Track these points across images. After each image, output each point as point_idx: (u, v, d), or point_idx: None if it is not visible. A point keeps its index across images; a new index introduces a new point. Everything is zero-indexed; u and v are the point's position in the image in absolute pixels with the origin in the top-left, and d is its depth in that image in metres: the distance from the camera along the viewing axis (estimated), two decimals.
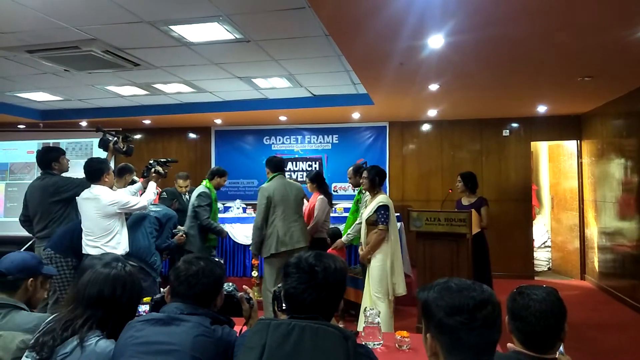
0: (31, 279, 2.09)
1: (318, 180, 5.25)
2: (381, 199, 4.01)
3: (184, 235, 4.63)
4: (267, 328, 1.47)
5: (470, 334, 1.20)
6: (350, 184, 5.12)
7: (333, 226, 5.25)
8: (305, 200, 4.87)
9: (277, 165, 4.67)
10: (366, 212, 4.11)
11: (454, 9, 2.98)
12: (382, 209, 3.93)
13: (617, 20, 3.20)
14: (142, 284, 3.99)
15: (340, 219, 5.70)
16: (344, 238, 4.74)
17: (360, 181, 4.50)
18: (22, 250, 4.77)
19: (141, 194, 4.21)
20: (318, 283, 1.53)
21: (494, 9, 3.01)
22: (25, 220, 4.17)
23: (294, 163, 8.19)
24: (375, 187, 4.11)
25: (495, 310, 1.24)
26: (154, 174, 4.25)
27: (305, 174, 7.96)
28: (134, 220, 4.17)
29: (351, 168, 5.09)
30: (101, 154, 4.49)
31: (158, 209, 4.43)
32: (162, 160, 4.47)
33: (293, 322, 1.47)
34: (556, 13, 3.06)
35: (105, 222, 3.69)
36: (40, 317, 1.91)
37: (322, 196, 5.11)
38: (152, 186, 4.18)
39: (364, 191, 4.62)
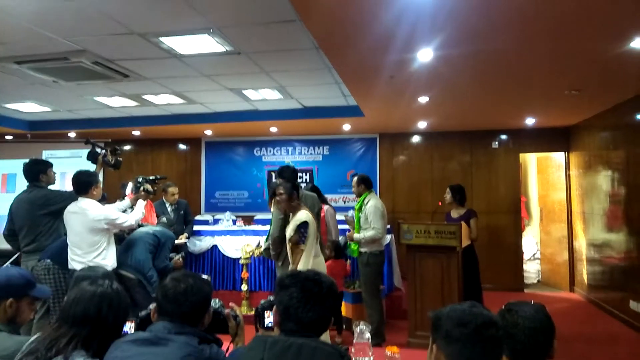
0: (11, 299, 1.97)
1: (317, 192, 5.30)
2: (300, 216, 3.69)
3: (180, 260, 4.60)
4: (264, 345, 1.47)
5: (474, 347, 1.30)
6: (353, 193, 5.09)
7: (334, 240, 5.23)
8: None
9: (292, 174, 4.54)
10: (288, 231, 3.80)
11: (442, 23, 3.01)
12: (302, 227, 3.63)
13: (603, 35, 3.24)
14: (136, 296, 3.97)
15: None
16: (356, 235, 4.63)
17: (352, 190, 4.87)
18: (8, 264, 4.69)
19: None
20: (322, 294, 1.56)
21: (481, 25, 3.05)
22: (10, 235, 4.10)
23: None
24: (287, 203, 3.79)
25: (499, 331, 1.33)
26: (143, 192, 4.21)
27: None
28: (135, 234, 4.21)
29: (355, 178, 5.03)
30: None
31: (157, 228, 4.48)
32: (150, 178, 4.44)
33: (290, 339, 1.47)
34: (543, 28, 3.10)
35: (92, 237, 3.64)
36: (19, 341, 1.83)
37: (327, 206, 5.16)
38: (141, 205, 4.14)
39: (365, 201, 4.69)
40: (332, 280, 1.65)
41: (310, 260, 3.70)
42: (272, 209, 4.31)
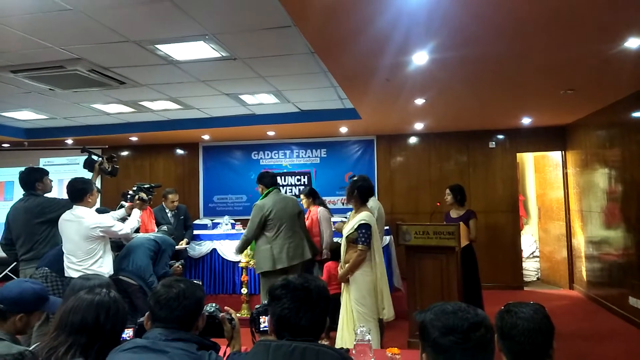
0: (21, 314, 2.00)
1: (314, 195, 5.39)
2: (363, 216, 3.66)
3: (180, 267, 4.60)
4: (268, 350, 1.49)
5: (464, 354, 1.28)
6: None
7: (335, 240, 5.24)
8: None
9: (271, 180, 4.64)
10: (347, 228, 3.77)
11: (437, 27, 3.02)
12: (363, 227, 3.59)
13: (597, 36, 3.26)
14: (137, 302, 3.96)
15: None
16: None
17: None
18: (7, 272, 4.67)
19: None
20: (312, 300, 1.57)
21: (475, 29, 3.06)
22: (7, 244, 4.09)
23: (283, 177, 8.18)
24: (356, 201, 3.77)
25: (488, 332, 1.32)
26: (137, 201, 4.19)
27: (293, 188, 8.00)
28: (135, 240, 4.23)
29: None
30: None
31: (157, 234, 4.51)
32: (145, 186, 4.43)
33: (293, 344, 1.49)
34: (536, 31, 3.11)
35: (87, 245, 3.62)
36: (19, 350, 1.84)
37: (322, 208, 5.18)
38: (136, 213, 4.13)
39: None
40: (322, 284, 1.65)
41: (382, 264, 3.68)
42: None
